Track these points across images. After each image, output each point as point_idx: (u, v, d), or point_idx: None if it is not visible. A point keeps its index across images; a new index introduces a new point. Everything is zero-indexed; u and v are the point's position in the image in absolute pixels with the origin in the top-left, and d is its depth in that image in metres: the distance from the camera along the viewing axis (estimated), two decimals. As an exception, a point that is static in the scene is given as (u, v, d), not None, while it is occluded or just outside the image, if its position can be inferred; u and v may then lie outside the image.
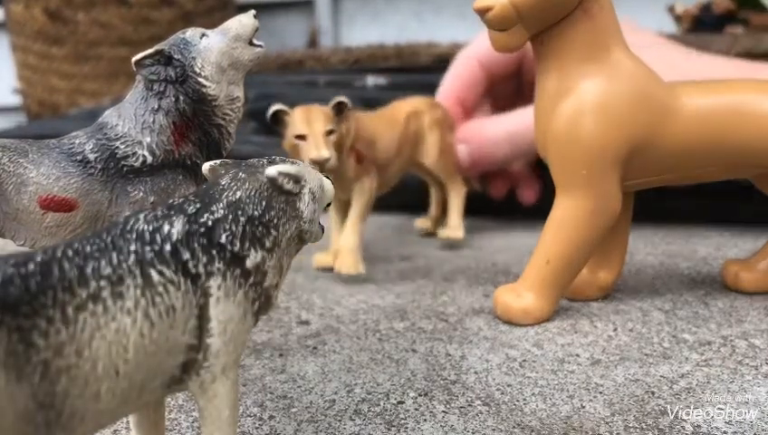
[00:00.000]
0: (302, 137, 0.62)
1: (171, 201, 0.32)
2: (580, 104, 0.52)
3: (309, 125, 0.62)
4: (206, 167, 0.34)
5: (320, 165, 0.60)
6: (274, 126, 0.64)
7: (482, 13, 0.52)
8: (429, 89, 1.18)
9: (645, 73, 0.53)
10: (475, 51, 0.85)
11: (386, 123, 0.71)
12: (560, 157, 0.53)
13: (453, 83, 0.85)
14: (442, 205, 0.82)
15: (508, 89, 0.87)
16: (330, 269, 0.69)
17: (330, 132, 0.62)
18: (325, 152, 0.60)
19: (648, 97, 0.52)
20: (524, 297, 0.55)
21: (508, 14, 0.50)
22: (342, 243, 0.68)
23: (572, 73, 0.53)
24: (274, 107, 0.63)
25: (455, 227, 0.77)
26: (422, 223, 0.84)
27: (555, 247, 0.54)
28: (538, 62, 0.55)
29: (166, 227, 0.30)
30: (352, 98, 1.10)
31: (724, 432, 0.39)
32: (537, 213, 0.89)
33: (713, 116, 0.53)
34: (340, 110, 0.63)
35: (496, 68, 0.83)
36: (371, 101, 1.10)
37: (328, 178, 0.36)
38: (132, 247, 0.29)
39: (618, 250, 0.59)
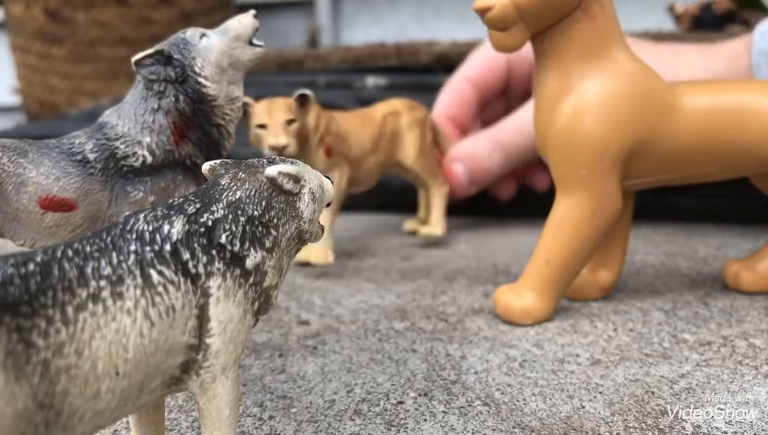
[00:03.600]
0: (263, 126, 0.64)
1: (171, 201, 0.32)
2: (581, 104, 0.52)
3: (270, 115, 0.64)
4: (206, 167, 0.34)
5: (278, 151, 0.63)
6: (242, 118, 0.65)
7: (482, 12, 0.52)
8: (429, 89, 1.18)
9: (645, 73, 0.53)
10: (466, 70, 0.87)
11: (361, 121, 0.74)
12: (560, 157, 0.53)
13: (445, 102, 0.87)
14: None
15: (498, 109, 0.89)
16: (305, 264, 0.68)
17: (290, 122, 0.64)
18: (282, 139, 0.63)
19: (649, 97, 0.52)
20: (525, 297, 0.55)
21: (509, 14, 0.50)
22: None
23: (572, 73, 0.53)
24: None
25: (434, 224, 0.78)
26: (411, 225, 0.83)
27: (555, 248, 0.54)
28: (538, 62, 0.55)
29: (166, 227, 0.30)
30: (352, 98, 1.11)
31: (724, 432, 0.39)
32: (537, 213, 0.89)
33: (713, 116, 0.53)
34: (302, 102, 0.66)
35: (486, 85, 0.86)
36: (371, 102, 1.10)
37: (327, 177, 0.36)
38: (132, 247, 0.29)
39: (618, 250, 0.59)
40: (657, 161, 0.54)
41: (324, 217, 0.68)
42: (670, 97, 0.53)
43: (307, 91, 0.66)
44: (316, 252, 0.67)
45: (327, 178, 0.36)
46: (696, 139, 0.53)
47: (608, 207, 0.53)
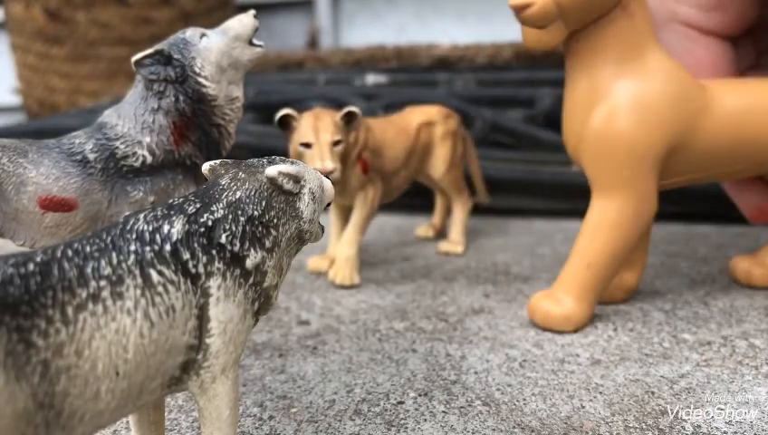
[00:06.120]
0: (307, 145, 0.60)
1: (171, 201, 0.32)
2: (622, 104, 0.51)
3: (316, 134, 0.60)
4: (206, 167, 0.34)
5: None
6: (281, 129, 0.62)
7: (519, 9, 0.49)
8: (429, 85, 1.19)
9: (680, 72, 0.53)
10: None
11: (396, 132, 0.69)
12: (599, 158, 0.52)
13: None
14: (445, 213, 0.82)
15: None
16: (323, 274, 0.69)
17: (336, 143, 0.60)
18: (329, 164, 0.59)
19: (686, 96, 0.52)
20: (564, 303, 0.53)
21: (549, 11, 0.48)
22: (339, 253, 0.66)
23: (608, 73, 0.52)
24: (282, 111, 0.61)
25: (455, 241, 0.76)
26: (423, 231, 0.83)
27: (596, 250, 0.53)
28: (570, 61, 0.54)
29: (166, 227, 0.30)
30: (352, 94, 1.11)
31: (725, 432, 0.39)
32: (536, 213, 0.90)
33: (743, 115, 0.53)
34: (349, 120, 0.62)
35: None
36: (371, 97, 1.11)
37: (327, 177, 0.36)
38: (132, 247, 0.29)
39: (641, 251, 0.59)
40: (689, 161, 0.53)
41: (351, 237, 0.66)
42: (703, 97, 0.53)
43: (355, 109, 0.61)
44: (343, 274, 0.65)
45: (327, 179, 0.36)
46: (726, 138, 0.53)
47: (648, 207, 0.53)
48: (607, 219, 0.53)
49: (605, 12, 0.50)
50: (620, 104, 0.51)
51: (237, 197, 0.32)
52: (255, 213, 0.32)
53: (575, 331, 0.54)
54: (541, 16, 0.49)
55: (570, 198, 0.86)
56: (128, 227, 0.30)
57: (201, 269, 0.30)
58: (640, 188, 0.52)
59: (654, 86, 0.51)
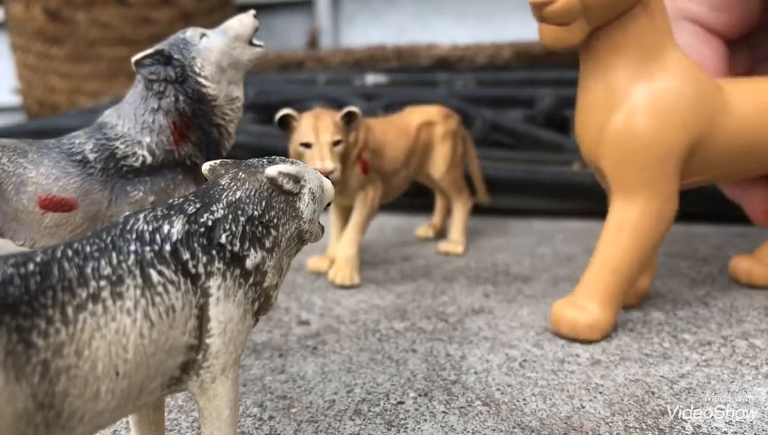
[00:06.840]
0: (307, 145, 0.60)
1: (171, 201, 0.32)
2: (642, 105, 0.50)
3: (316, 134, 0.60)
4: (206, 167, 0.34)
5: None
6: (281, 129, 0.62)
7: (540, 6, 0.48)
8: (429, 85, 1.19)
9: (698, 72, 0.52)
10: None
11: (396, 132, 0.69)
12: (621, 160, 0.51)
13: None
14: (445, 213, 0.82)
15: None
16: (323, 274, 0.69)
17: (336, 143, 0.61)
18: (329, 164, 0.59)
19: (704, 96, 0.51)
20: (589, 310, 0.52)
21: (573, 8, 0.47)
22: (339, 253, 0.66)
23: (627, 73, 0.51)
24: (282, 111, 0.61)
25: (455, 241, 0.76)
26: (423, 231, 0.83)
27: (619, 255, 0.52)
28: (586, 60, 0.53)
29: (166, 227, 0.30)
30: (352, 94, 1.11)
31: (725, 432, 0.39)
32: (536, 213, 0.90)
33: (759, 114, 0.52)
34: (349, 120, 0.62)
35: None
36: (371, 97, 1.11)
37: (327, 177, 0.36)
38: (132, 247, 0.29)
39: (653, 254, 0.58)
40: (708, 160, 0.53)
41: (351, 237, 0.67)
42: (720, 96, 0.52)
43: (355, 109, 0.61)
44: (343, 274, 0.65)
45: (327, 179, 0.36)
46: (742, 137, 0.52)
47: (669, 208, 0.52)
48: (629, 222, 0.52)
49: (627, 8, 0.49)
50: (641, 105, 0.50)
51: (237, 197, 0.32)
52: (255, 213, 0.32)
53: (601, 339, 0.52)
54: (564, 13, 0.47)
55: (570, 198, 0.86)
56: (128, 227, 0.30)
57: (201, 269, 0.30)
58: (662, 189, 0.51)
59: (674, 86, 0.51)
